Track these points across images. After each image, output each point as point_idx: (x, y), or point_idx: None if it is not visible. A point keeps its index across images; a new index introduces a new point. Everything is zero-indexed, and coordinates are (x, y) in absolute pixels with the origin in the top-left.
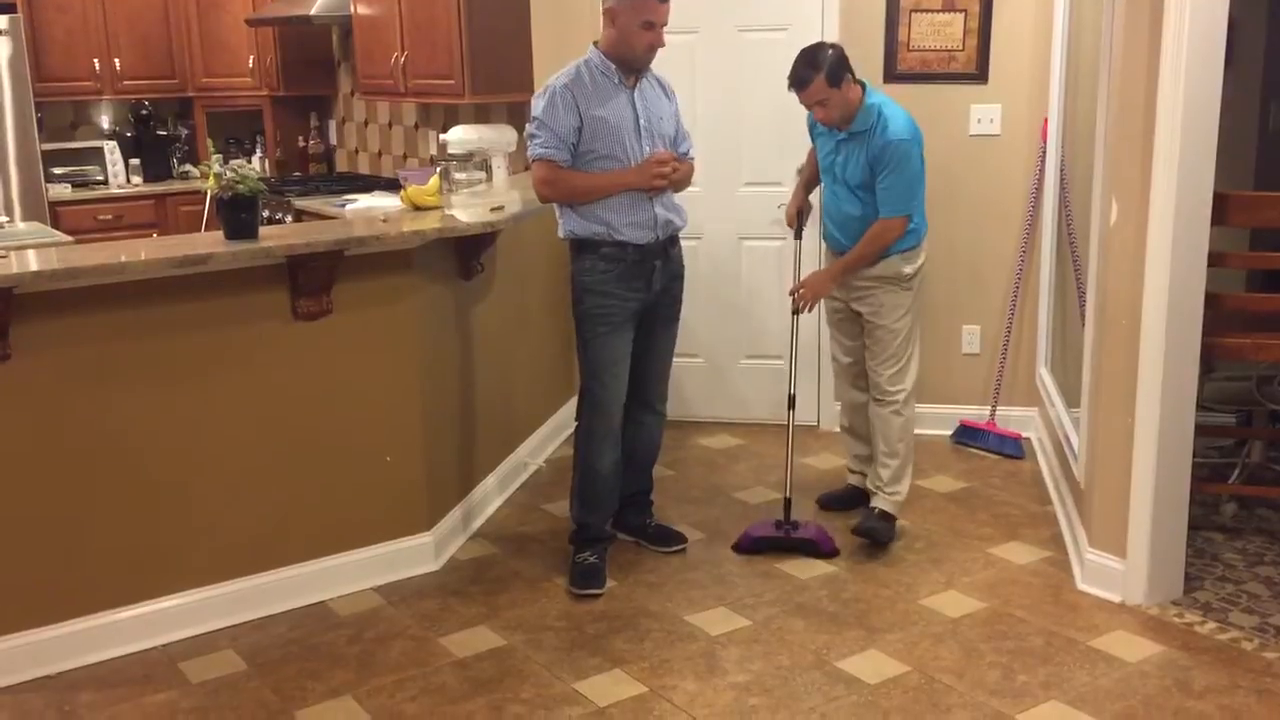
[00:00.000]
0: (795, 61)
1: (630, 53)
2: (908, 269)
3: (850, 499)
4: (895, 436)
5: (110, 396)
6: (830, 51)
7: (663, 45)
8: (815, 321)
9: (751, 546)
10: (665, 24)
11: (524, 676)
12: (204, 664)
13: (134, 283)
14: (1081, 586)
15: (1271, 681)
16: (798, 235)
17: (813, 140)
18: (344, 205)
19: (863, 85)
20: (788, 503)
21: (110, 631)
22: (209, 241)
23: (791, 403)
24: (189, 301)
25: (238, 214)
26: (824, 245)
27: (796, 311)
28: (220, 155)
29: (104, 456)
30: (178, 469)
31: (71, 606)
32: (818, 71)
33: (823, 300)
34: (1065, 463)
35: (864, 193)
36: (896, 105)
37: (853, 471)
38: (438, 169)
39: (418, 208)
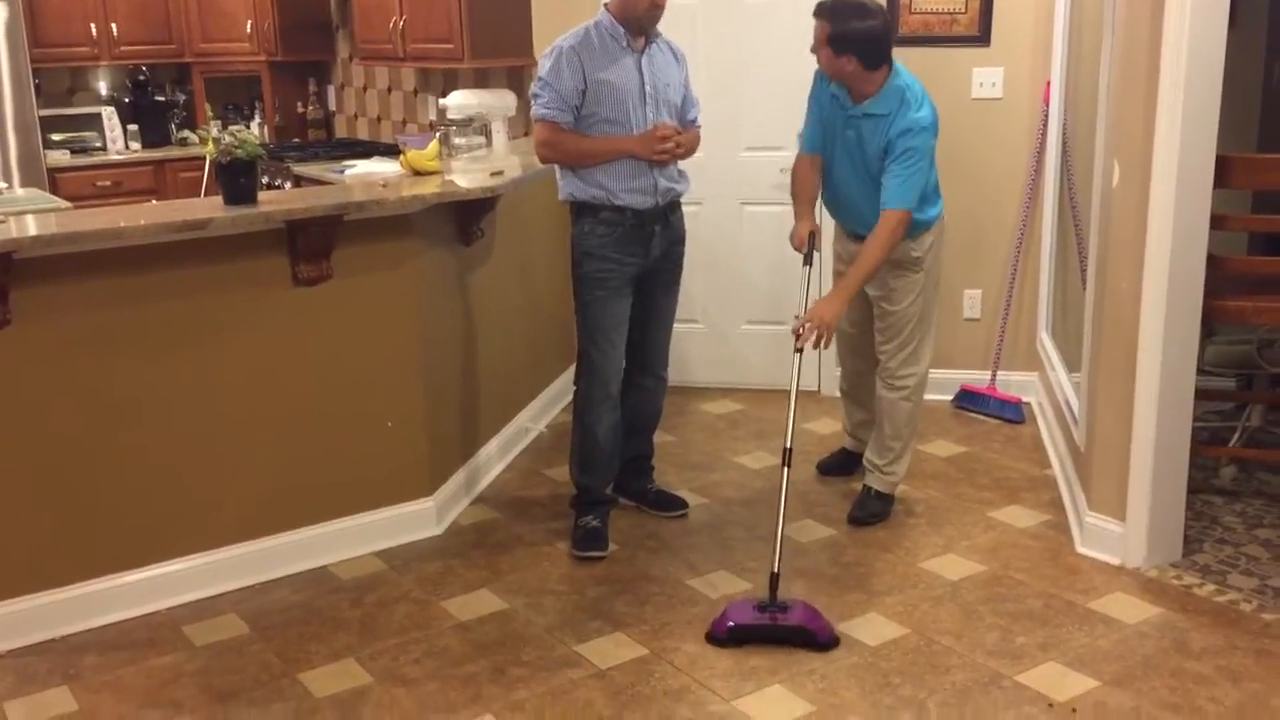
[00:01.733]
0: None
1: (633, 13)
2: (916, 252)
3: (848, 463)
4: (902, 422)
5: (110, 362)
6: (868, 25)
7: (663, 5)
8: (819, 283)
9: (730, 637)
10: None
11: (526, 639)
12: (207, 628)
13: (134, 248)
14: (1080, 549)
15: (1270, 643)
16: (807, 260)
17: (814, 108)
18: (343, 171)
19: (891, 65)
20: (774, 579)
21: (114, 595)
22: (208, 206)
23: (786, 458)
24: (189, 267)
25: (236, 179)
26: (828, 217)
27: (800, 349)
28: (219, 121)
29: (105, 422)
30: (179, 434)
31: (75, 571)
32: (830, 22)
33: (830, 266)
34: (1065, 427)
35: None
36: (923, 89)
37: (848, 434)
38: (437, 134)
39: (417, 173)
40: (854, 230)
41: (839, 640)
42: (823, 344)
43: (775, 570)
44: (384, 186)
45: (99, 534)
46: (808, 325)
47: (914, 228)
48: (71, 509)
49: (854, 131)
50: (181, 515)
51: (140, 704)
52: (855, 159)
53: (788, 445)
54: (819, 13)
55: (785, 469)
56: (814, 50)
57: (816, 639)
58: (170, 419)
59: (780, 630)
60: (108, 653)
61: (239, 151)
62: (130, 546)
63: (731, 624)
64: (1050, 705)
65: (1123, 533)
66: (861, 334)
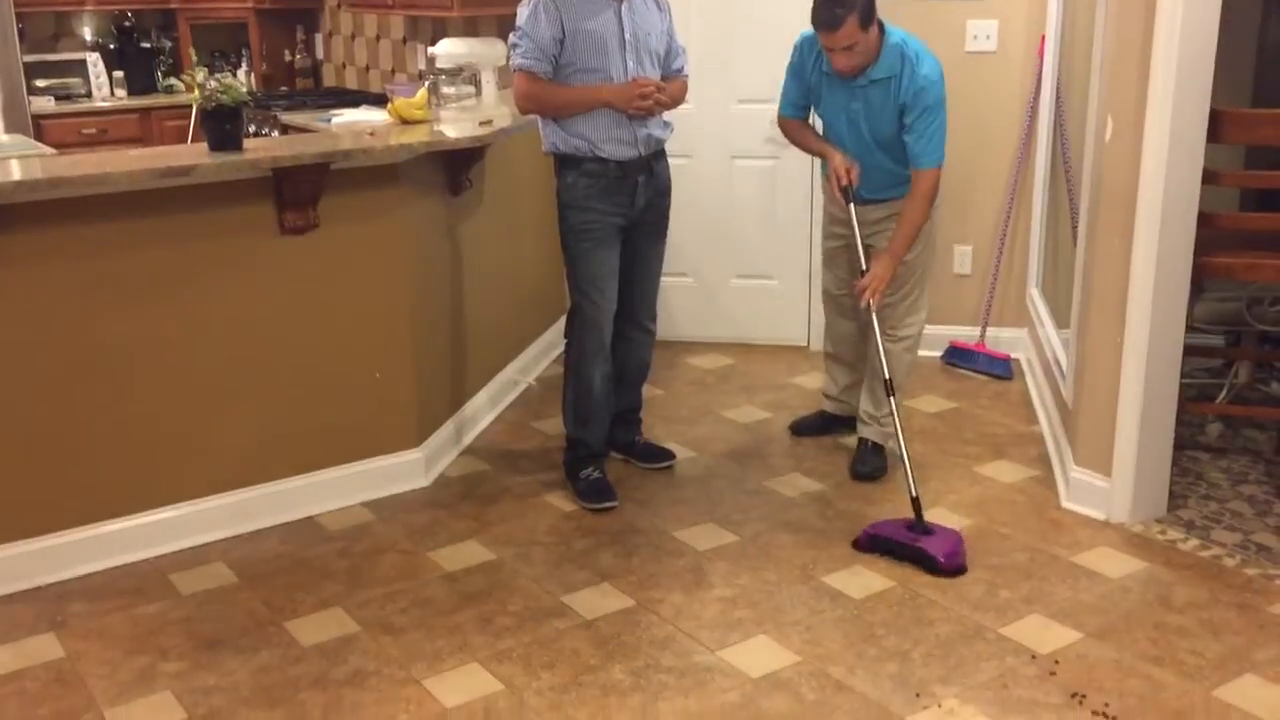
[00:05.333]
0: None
1: None
2: None
3: (824, 425)
4: (901, 373)
5: (95, 309)
6: None
7: None
8: (808, 238)
9: (869, 546)
10: None
11: (513, 590)
12: (194, 576)
13: (119, 195)
14: (1066, 504)
15: (1251, 597)
16: (848, 197)
17: (800, 83)
18: (330, 120)
19: (881, 24)
20: (916, 502)
21: (101, 544)
22: (193, 153)
23: (889, 388)
24: (174, 214)
25: (221, 125)
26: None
27: (868, 307)
28: (205, 68)
29: (92, 370)
30: (166, 383)
31: (62, 519)
32: (849, 11)
33: (822, 226)
34: (1053, 383)
35: (896, 143)
36: (917, 40)
37: (829, 398)
38: (426, 83)
39: (405, 121)
40: (871, 197)
41: (960, 570)
42: (874, 304)
43: (914, 494)
44: (371, 135)
45: (85, 482)
46: (871, 286)
47: None
48: (57, 457)
49: (860, 103)
50: (168, 464)
51: (127, 650)
52: (861, 128)
53: (887, 377)
54: (836, 18)
55: (890, 397)
56: (850, 55)
57: (936, 564)
58: (156, 367)
59: (912, 551)
60: (94, 600)
61: (223, 97)
62: (116, 495)
63: (878, 535)
64: (1033, 657)
65: (1108, 488)
66: (848, 295)
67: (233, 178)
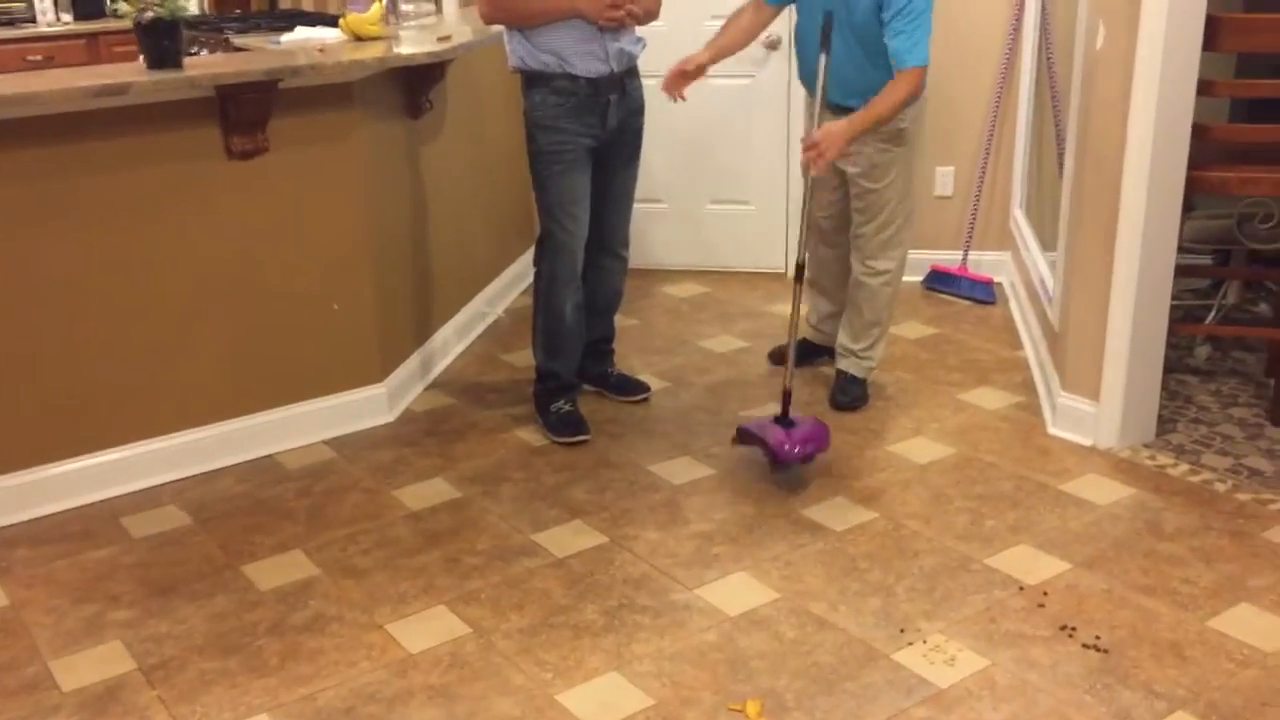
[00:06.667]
0: None
1: None
2: (903, 123)
3: (804, 354)
4: (881, 306)
5: (35, 240)
6: None
7: None
8: (785, 162)
9: (740, 439)
10: None
11: (481, 528)
12: (146, 519)
13: (55, 118)
14: (1052, 431)
15: (1244, 523)
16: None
17: None
18: (280, 40)
19: None
20: (786, 395)
21: (46, 486)
22: (129, 70)
23: (800, 273)
24: (114, 139)
25: (159, 40)
26: (811, 100)
27: (808, 169)
28: None
29: (33, 304)
30: (113, 317)
31: (5, 461)
32: None
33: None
34: (1039, 306)
35: (875, 43)
36: None
37: (810, 325)
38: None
39: (359, 38)
40: (840, 102)
41: (802, 459)
42: (821, 168)
43: (787, 386)
44: (322, 52)
45: (29, 422)
46: (817, 146)
47: None
48: None
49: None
50: (117, 402)
51: (75, 598)
52: (841, 26)
53: (800, 262)
54: None
55: (798, 285)
56: None
57: (774, 457)
58: (101, 300)
59: (760, 442)
60: (40, 546)
61: (160, 10)
62: (63, 435)
63: (748, 430)
64: (1021, 589)
65: (1096, 413)
66: (831, 219)
67: (173, 97)
